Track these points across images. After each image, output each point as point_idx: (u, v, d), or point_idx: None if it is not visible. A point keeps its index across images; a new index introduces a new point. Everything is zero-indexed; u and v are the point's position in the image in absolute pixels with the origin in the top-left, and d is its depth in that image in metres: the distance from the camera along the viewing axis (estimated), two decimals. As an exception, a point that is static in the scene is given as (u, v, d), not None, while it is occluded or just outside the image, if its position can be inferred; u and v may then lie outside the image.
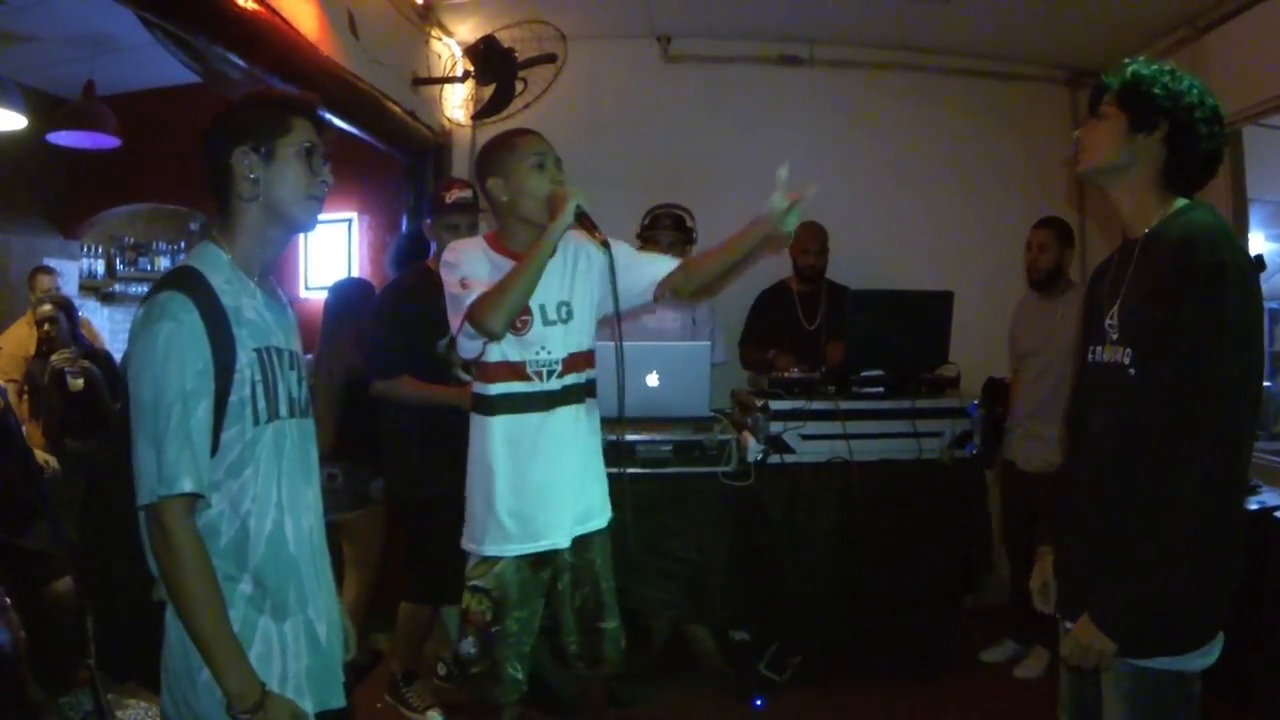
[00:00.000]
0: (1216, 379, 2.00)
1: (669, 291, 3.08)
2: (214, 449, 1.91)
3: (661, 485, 4.22)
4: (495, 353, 2.89)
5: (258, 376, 1.99)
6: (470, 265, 2.87)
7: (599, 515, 3.11)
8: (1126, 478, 2.15)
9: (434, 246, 4.36)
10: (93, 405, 5.42)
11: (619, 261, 2.99)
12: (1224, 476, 2.04)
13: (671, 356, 4.32)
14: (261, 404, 2.00)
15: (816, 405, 4.46)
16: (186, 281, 1.93)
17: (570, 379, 2.98)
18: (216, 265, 2.01)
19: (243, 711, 1.84)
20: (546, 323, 2.94)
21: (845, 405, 4.50)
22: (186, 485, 1.83)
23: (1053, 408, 4.45)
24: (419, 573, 4.29)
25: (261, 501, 2.00)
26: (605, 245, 2.92)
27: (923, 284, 4.94)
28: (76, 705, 3.93)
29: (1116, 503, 2.17)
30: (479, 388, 2.96)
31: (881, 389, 4.65)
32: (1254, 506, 4.01)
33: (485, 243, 3.01)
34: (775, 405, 4.44)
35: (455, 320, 2.82)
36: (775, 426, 4.41)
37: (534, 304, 2.89)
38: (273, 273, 2.21)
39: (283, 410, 2.06)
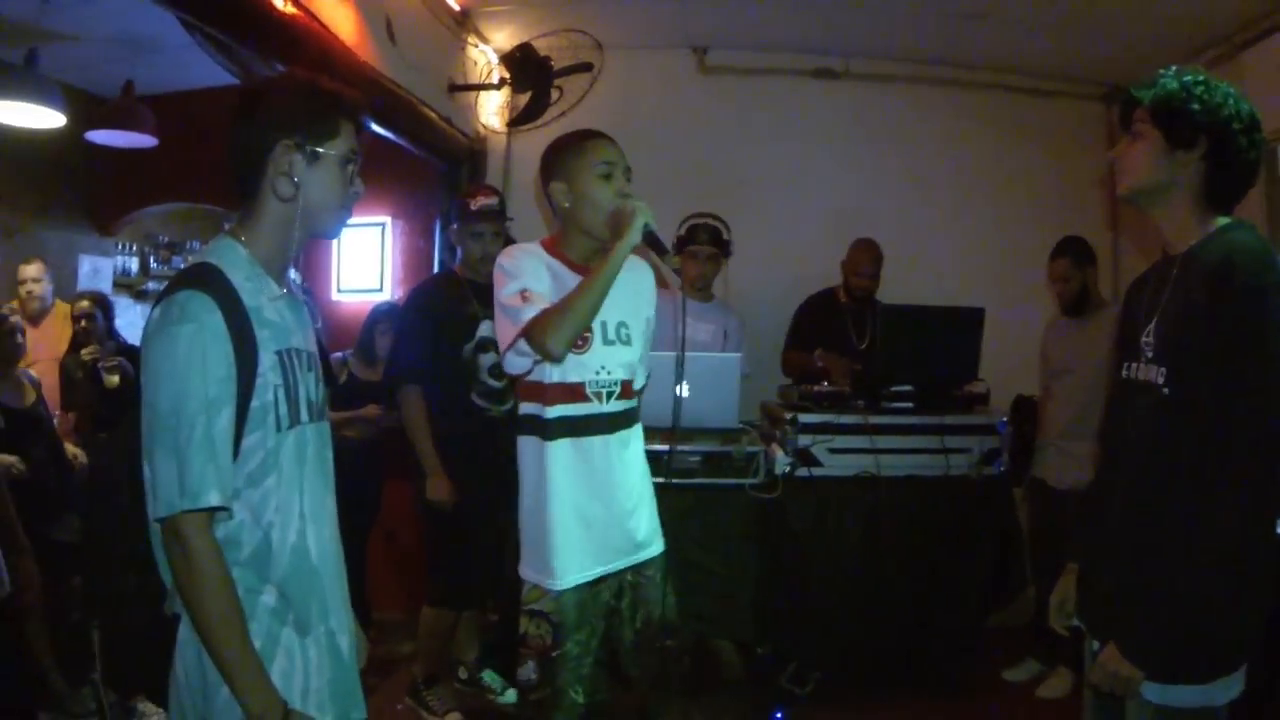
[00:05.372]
0: (1254, 402, 1.96)
1: None
2: (234, 456, 1.81)
3: (689, 496, 4.22)
4: (553, 373, 2.72)
5: (279, 380, 1.89)
6: (531, 276, 2.70)
7: (656, 541, 2.97)
8: (1159, 498, 2.12)
9: (459, 252, 4.38)
10: (127, 401, 5.45)
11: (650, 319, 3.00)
12: (1260, 500, 2.01)
13: (702, 367, 4.23)
14: (284, 409, 1.90)
15: (845, 419, 4.44)
16: (207, 279, 1.82)
17: (626, 403, 2.85)
18: (236, 262, 1.90)
19: (250, 715, 1.75)
20: (606, 342, 2.80)
21: (874, 420, 4.47)
22: (213, 499, 1.73)
23: (1085, 426, 4.42)
24: (442, 577, 4.31)
25: (285, 511, 1.91)
26: (676, 271, 2.87)
27: (953, 299, 4.90)
28: (96, 697, 3.96)
29: (1148, 522, 2.14)
30: (531, 409, 2.78)
31: (910, 404, 4.63)
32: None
33: (543, 249, 2.83)
34: (804, 418, 4.42)
35: (509, 333, 2.64)
36: (804, 439, 4.39)
37: (595, 321, 2.73)
38: (289, 269, 2.11)
39: (304, 415, 1.97)
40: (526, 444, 2.81)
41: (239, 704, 1.75)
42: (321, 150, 1.94)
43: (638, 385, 2.93)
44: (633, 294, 2.88)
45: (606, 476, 2.80)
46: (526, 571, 2.83)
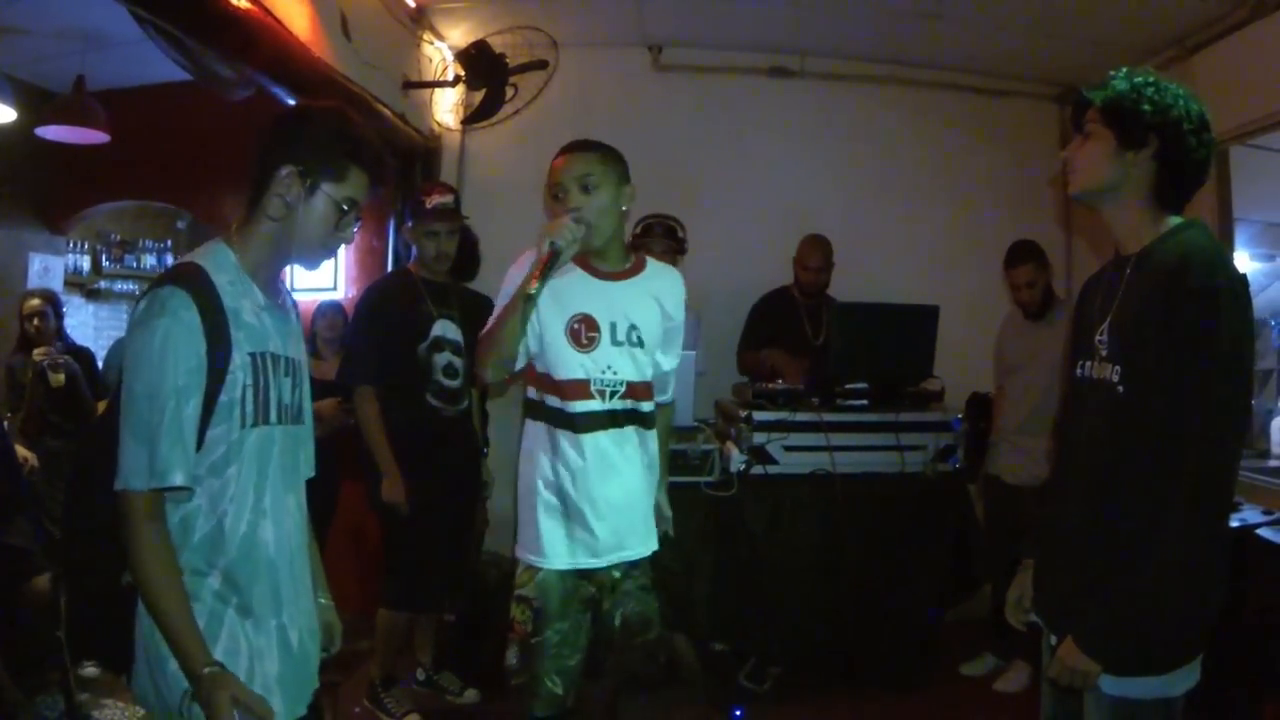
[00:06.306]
0: (1208, 401, 1.99)
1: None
2: (198, 445, 1.90)
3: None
4: (570, 369, 2.85)
5: (249, 380, 1.98)
6: (514, 282, 2.82)
7: (649, 542, 3.05)
8: (1114, 494, 2.14)
9: (414, 251, 4.36)
10: (73, 403, 5.38)
11: (670, 329, 3.06)
12: (1213, 496, 2.04)
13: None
14: (250, 407, 1.98)
15: (800, 417, 4.47)
16: (190, 278, 1.92)
17: (629, 403, 2.93)
18: (223, 265, 2.00)
19: (189, 676, 1.83)
20: (615, 343, 2.90)
21: (829, 417, 4.50)
22: (178, 478, 1.83)
23: (1039, 422, 4.47)
24: (398, 579, 4.29)
25: (240, 502, 1.99)
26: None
27: (909, 297, 4.94)
28: (53, 705, 3.90)
29: (1104, 518, 2.16)
30: (552, 401, 2.88)
31: (865, 402, 4.65)
32: (1235, 524, 4.02)
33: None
34: (759, 416, 4.44)
35: None
36: (759, 437, 4.41)
37: (604, 321, 2.87)
38: (278, 281, 2.18)
39: (273, 416, 2.05)
40: (532, 428, 2.95)
41: (181, 668, 1.84)
42: (321, 187, 2.03)
43: (661, 396, 3.13)
44: (649, 299, 2.99)
45: (614, 472, 2.89)
46: (520, 551, 2.94)
